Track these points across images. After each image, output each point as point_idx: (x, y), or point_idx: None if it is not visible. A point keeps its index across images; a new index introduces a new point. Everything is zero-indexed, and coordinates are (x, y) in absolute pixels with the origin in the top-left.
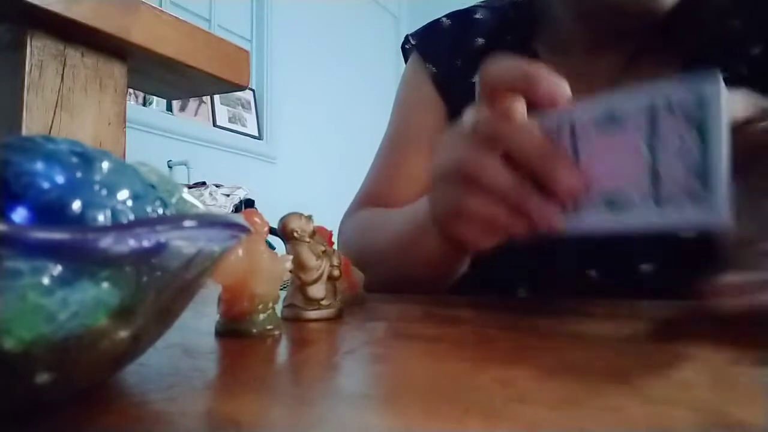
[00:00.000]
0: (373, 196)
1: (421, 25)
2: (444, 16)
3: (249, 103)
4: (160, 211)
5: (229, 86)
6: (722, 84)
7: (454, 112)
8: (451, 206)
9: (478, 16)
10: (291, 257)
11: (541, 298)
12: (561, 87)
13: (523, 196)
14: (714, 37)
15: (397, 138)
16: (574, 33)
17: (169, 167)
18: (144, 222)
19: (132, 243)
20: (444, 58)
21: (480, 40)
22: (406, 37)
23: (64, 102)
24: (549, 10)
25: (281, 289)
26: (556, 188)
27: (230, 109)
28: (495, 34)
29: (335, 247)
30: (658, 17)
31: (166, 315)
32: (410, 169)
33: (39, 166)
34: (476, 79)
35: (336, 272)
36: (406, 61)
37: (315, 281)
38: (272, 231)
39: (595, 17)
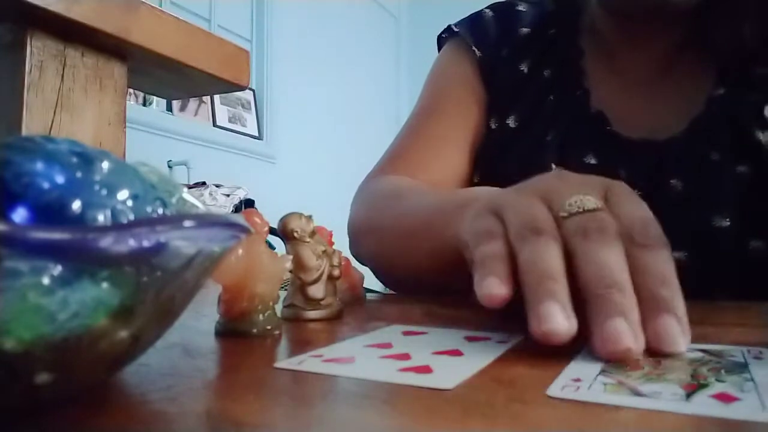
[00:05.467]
0: (397, 160)
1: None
2: (486, 8)
3: (249, 103)
4: (160, 211)
5: (229, 86)
6: None
7: (495, 98)
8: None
9: (520, 8)
10: (291, 257)
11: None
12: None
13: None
14: (750, 42)
15: (428, 107)
16: (612, 28)
17: (169, 167)
18: (144, 222)
19: (132, 243)
20: (490, 45)
21: (525, 30)
22: (449, 26)
23: (64, 102)
24: (587, 4)
25: (281, 289)
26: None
27: (230, 109)
28: (540, 24)
29: (335, 246)
30: (682, 10)
31: (166, 315)
32: (438, 136)
33: (39, 166)
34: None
35: (336, 272)
36: (439, 51)
37: (315, 281)
38: (272, 231)
39: (621, 11)
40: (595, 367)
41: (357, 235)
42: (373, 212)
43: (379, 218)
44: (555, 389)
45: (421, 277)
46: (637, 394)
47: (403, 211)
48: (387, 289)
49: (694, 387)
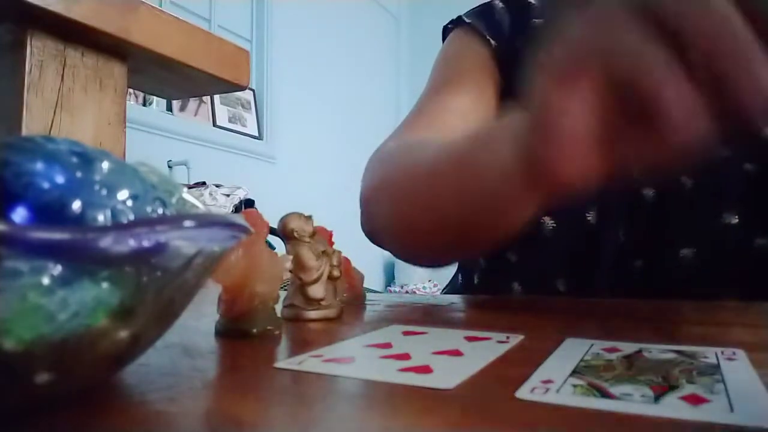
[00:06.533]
0: (411, 125)
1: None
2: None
3: (249, 103)
4: (160, 211)
5: (229, 86)
6: None
7: (512, 88)
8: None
9: (531, 0)
10: (291, 257)
11: (579, 292)
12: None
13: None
14: None
15: (442, 82)
16: None
17: (169, 167)
18: (144, 222)
19: (132, 243)
20: (504, 35)
21: (538, 21)
22: (458, 17)
23: (64, 102)
24: None
25: (281, 289)
26: None
27: (230, 109)
28: (552, 18)
29: (335, 246)
30: None
31: (166, 315)
32: (456, 106)
33: (39, 166)
34: None
35: (336, 272)
36: (443, 41)
37: (315, 281)
38: (272, 231)
39: None
40: (567, 368)
41: (369, 201)
42: (386, 170)
43: (393, 172)
44: (524, 391)
45: (448, 222)
46: (606, 396)
47: (422, 155)
48: (389, 286)
49: (664, 389)
